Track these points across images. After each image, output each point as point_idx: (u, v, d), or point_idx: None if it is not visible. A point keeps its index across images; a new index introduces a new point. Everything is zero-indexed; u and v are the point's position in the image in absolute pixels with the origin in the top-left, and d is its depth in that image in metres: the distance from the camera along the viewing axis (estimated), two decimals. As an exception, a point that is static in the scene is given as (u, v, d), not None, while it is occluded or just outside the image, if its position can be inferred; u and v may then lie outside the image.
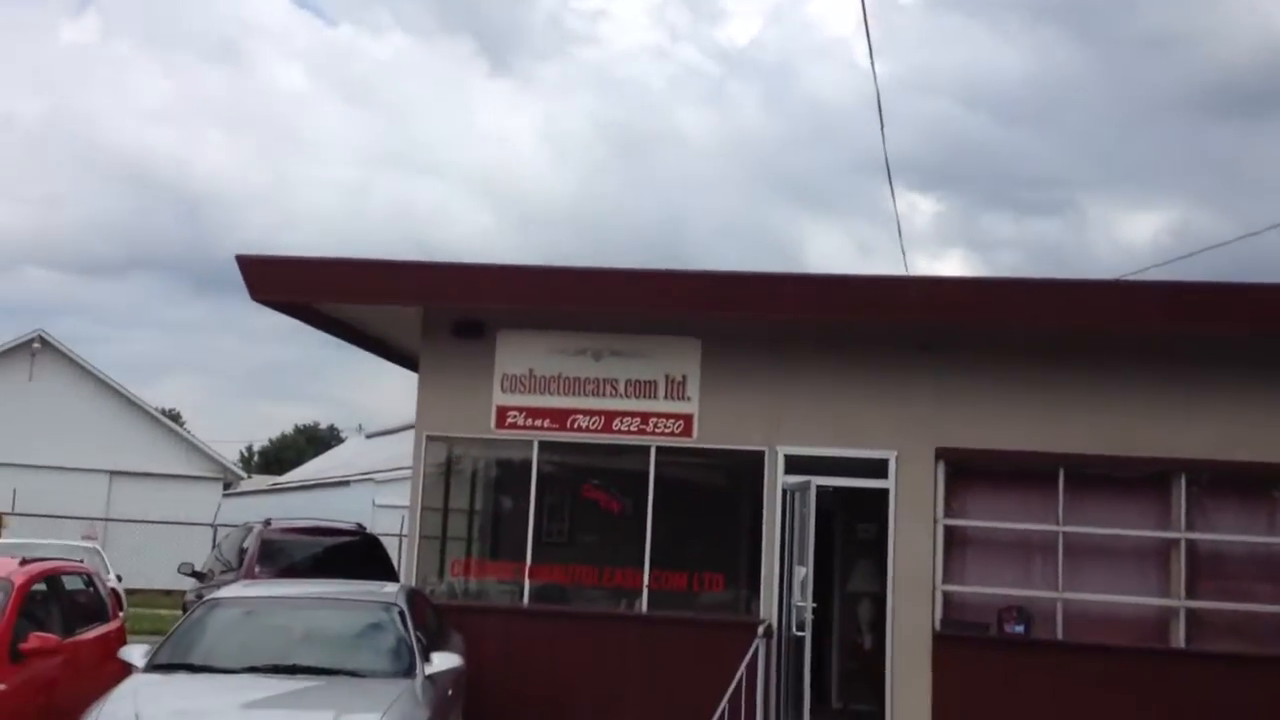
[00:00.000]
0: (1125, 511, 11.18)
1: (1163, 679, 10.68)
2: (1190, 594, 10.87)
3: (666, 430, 11.70)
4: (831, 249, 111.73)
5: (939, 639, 10.99)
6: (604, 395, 11.82)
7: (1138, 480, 11.26)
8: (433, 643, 8.90)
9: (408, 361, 14.64)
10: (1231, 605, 10.91)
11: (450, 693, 8.82)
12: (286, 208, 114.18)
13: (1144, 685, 10.65)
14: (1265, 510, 11.23)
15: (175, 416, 52.84)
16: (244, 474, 40.79)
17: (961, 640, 10.99)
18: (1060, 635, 10.92)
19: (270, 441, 78.70)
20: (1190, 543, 10.95)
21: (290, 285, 11.78)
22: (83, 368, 32.66)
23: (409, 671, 8.06)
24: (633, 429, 11.74)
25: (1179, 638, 10.82)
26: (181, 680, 7.76)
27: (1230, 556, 11.10)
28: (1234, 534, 11.05)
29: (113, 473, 31.99)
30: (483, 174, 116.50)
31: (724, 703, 10.57)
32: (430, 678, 8.16)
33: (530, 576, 11.74)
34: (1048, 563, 11.10)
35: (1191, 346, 11.06)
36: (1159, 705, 10.58)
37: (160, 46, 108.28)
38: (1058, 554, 11.01)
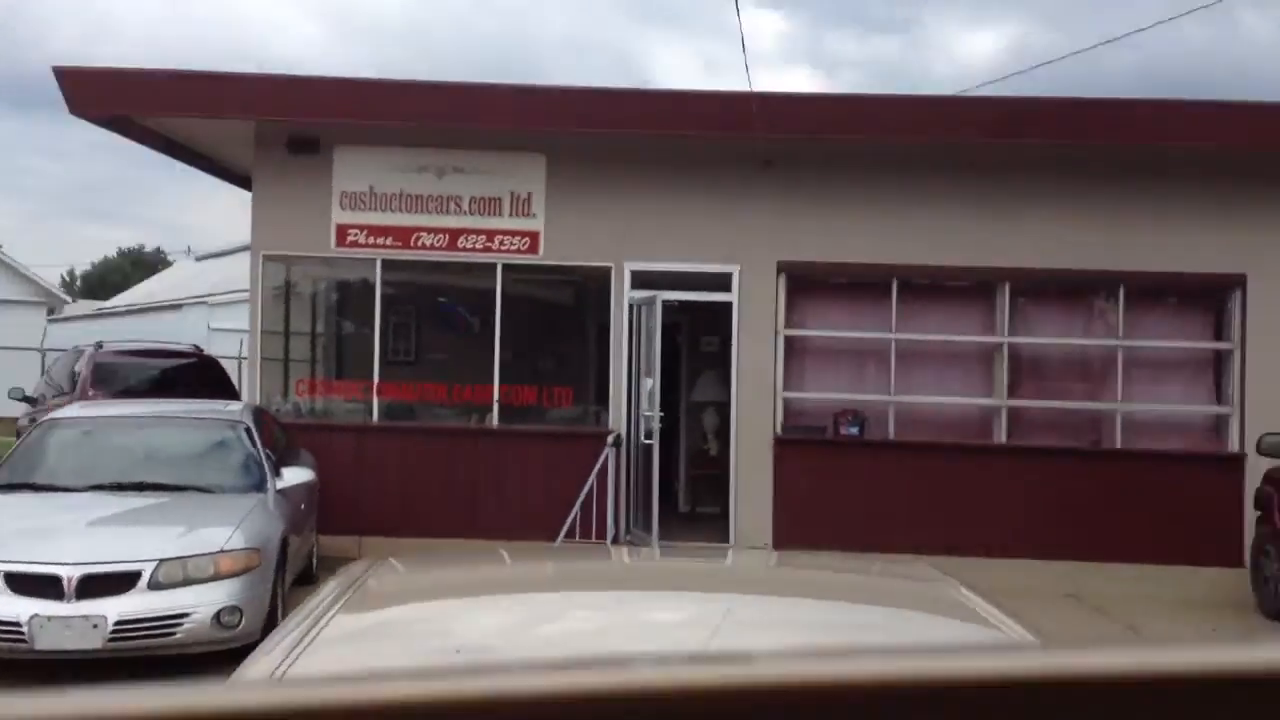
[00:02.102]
0: (953, 319, 11.74)
1: (985, 471, 11.43)
2: (1011, 394, 11.57)
3: (512, 248, 11.65)
4: (677, 66, 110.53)
5: (779, 442, 11.47)
6: (448, 213, 11.65)
7: (965, 289, 11.80)
8: (281, 459, 8.89)
9: (240, 179, 14.11)
10: (1048, 403, 11.67)
11: (303, 506, 8.89)
12: (100, 18, 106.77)
13: (968, 478, 11.39)
14: (1081, 314, 11.94)
15: (-11, 243, 49.90)
16: (68, 298, 39.11)
17: (800, 442, 11.51)
18: (892, 435, 11.53)
19: (92, 265, 75.14)
20: (1012, 346, 11.60)
21: (112, 98, 11.18)
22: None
23: (260, 486, 8.07)
24: (478, 247, 11.65)
25: (1000, 434, 11.56)
26: (26, 499, 7.62)
27: (1048, 359, 11.82)
28: (1052, 337, 11.74)
29: (-71, 299, 30.31)
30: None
31: (576, 509, 10.91)
32: (282, 492, 8.19)
33: (378, 394, 11.72)
34: (881, 368, 11.62)
35: (1016, 159, 11.45)
36: (981, 494, 11.35)
37: None
38: (890, 360, 11.53)
